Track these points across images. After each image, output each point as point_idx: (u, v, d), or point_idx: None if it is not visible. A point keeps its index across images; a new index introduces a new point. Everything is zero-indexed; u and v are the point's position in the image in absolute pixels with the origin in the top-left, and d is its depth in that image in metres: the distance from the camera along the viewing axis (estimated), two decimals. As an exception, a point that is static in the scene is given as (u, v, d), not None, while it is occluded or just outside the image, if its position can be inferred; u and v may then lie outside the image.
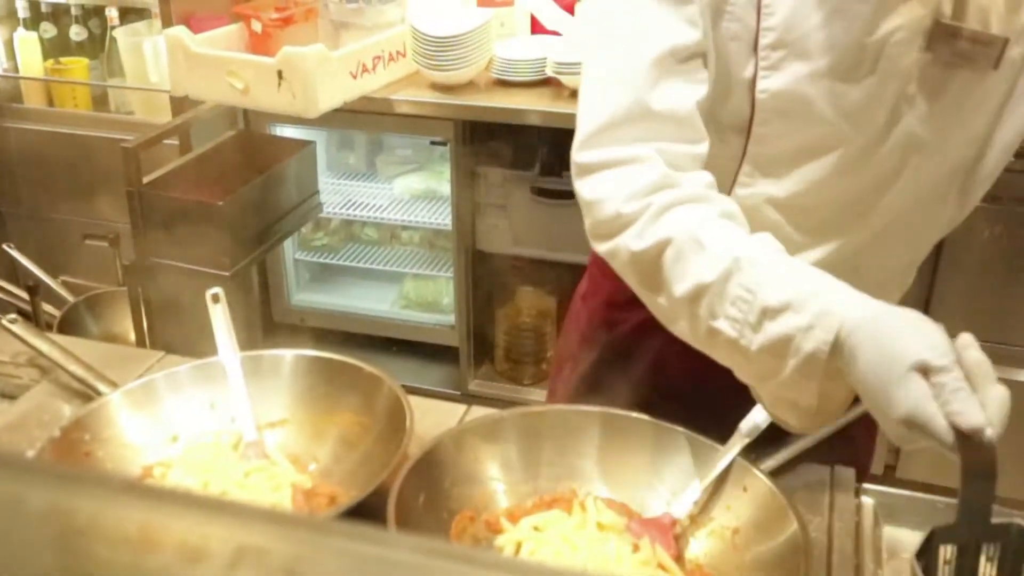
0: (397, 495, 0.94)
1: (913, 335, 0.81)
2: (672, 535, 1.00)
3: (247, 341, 2.68)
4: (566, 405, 1.10)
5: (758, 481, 1.00)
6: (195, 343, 1.27)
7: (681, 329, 0.94)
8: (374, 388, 1.13)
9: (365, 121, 2.44)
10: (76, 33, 2.82)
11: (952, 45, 0.91)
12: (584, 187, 0.95)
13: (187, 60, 2.24)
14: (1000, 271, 2.19)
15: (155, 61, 2.67)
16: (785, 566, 0.92)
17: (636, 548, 0.98)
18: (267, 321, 2.92)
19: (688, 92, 0.94)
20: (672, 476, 1.05)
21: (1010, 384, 2.59)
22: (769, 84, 0.93)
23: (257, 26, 2.33)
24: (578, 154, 0.95)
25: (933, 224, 1.09)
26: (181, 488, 0.95)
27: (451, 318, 2.71)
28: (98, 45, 2.83)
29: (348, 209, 2.78)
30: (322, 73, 2.20)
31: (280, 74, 2.20)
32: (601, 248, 0.96)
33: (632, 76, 0.93)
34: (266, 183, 2.32)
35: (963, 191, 1.07)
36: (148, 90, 2.69)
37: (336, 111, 2.26)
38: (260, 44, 2.34)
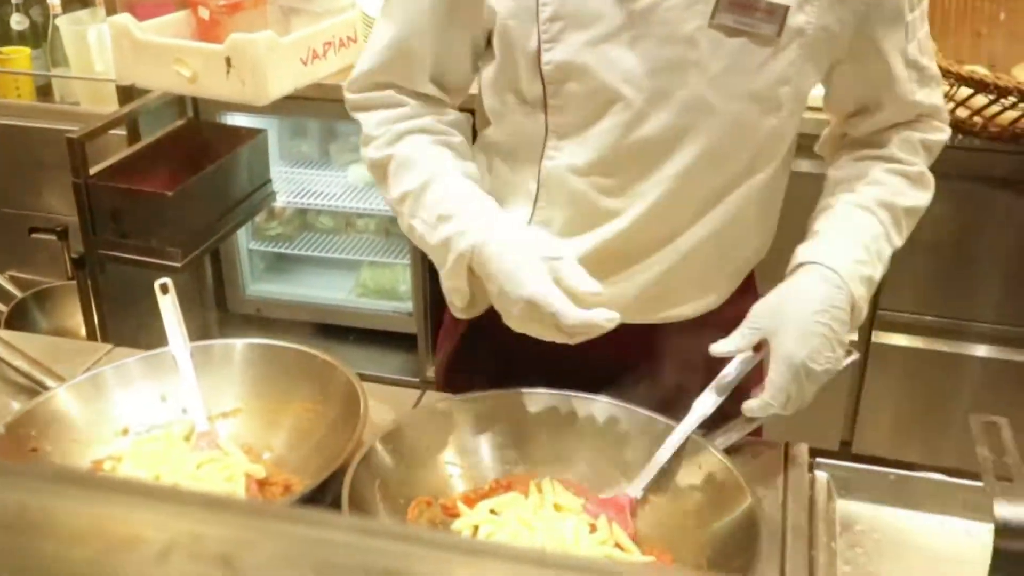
0: (352, 482, 0.93)
1: (537, 242, 1.03)
2: (628, 514, 1.00)
3: (202, 333, 2.65)
4: (521, 389, 1.10)
5: (713, 458, 1.01)
6: (148, 336, 1.25)
7: (400, 224, 1.14)
8: (327, 375, 1.12)
9: (317, 108, 2.41)
10: (17, 22, 2.76)
11: (735, 13, 0.99)
12: (354, 115, 1.16)
13: (133, 48, 2.19)
14: (950, 248, 2.22)
15: (100, 50, 2.61)
16: (740, 541, 0.93)
17: (593, 528, 0.98)
18: (222, 312, 2.88)
19: (455, 48, 1.10)
20: (627, 456, 1.06)
21: (962, 359, 2.64)
22: (552, 56, 1.01)
23: (204, 13, 2.29)
24: (347, 92, 1.16)
25: (735, 185, 1.09)
26: (113, 477, 0.93)
27: (408, 305, 2.70)
28: (41, 34, 2.77)
29: (302, 198, 2.75)
30: (272, 59, 2.16)
31: (228, 61, 2.17)
32: (362, 156, 1.17)
33: (404, 21, 1.09)
34: (217, 173, 2.28)
35: (768, 155, 1.09)
36: (93, 80, 2.63)
37: (287, 98, 2.23)
38: (208, 31, 2.29)
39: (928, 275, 2.26)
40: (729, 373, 1.09)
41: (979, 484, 1.03)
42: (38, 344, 1.30)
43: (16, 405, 1.18)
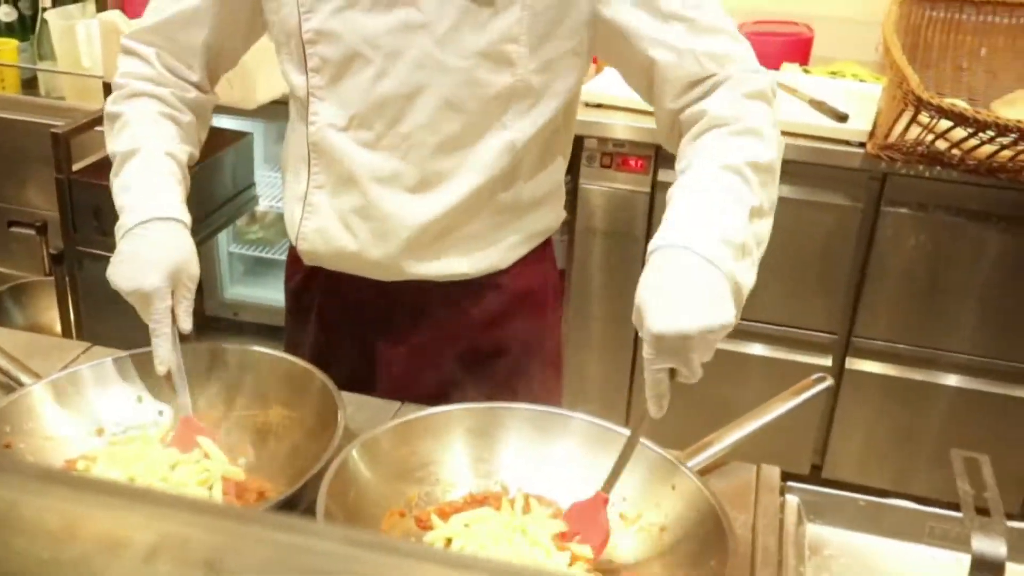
0: (327, 491, 0.93)
1: (173, 255, 1.14)
2: (605, 512, 1.01)
3: (180, 335, 2.61)
4: (497, 403, 1.10)
5: (686, 480, 1.02)
6: (124, 335, 1.24)
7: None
8: (305, 382, 1.12)
9: (304, 114, 2.41)
10: (6, 14, 2.75)
11: None
12: (119, 59, 1.27)
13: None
14: (925, 278, 2.25)
15: (88, 45, 2.61)
16: (711, 563, 0.94)
17: (564, 538, 0.99)
18: (199, 315, 2.87)
19: (232, 25, 1.23)
20: (600, 467, 1.06)
21: (934, 388, 2.66)
22: (310, 25, 1.14)
23: (194, 14, 2.28)
24: (122, 37, 1.27)
25: (486, 137, 1.16)
26: (99, 478, 0.93)
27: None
28: (28, 27, 2.76)
29: (285, 202, 2.75)
30: (260, 64, 2.16)
31: (217, 63, 2.16)
32: None
33: None
34: (200, 174, 2.26)
35: (516, 110, 1.16)
36: (80, 75, 2.63)
37: (274, 102, 2.23)
38: (197, 32, 2.29)
39: (903, 304, 2.29)
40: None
41: (948, 513, 1.05)
42: (14, 339, 1.29)
43: (-9, 400, 1.17)
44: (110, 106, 1.24)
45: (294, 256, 1.34)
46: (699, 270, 0.96)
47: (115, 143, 1.21)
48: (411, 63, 1.13)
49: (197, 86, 1.27)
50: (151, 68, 1.24)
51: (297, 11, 1.14)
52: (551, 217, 1.30)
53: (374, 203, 1.20)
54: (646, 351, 0.95)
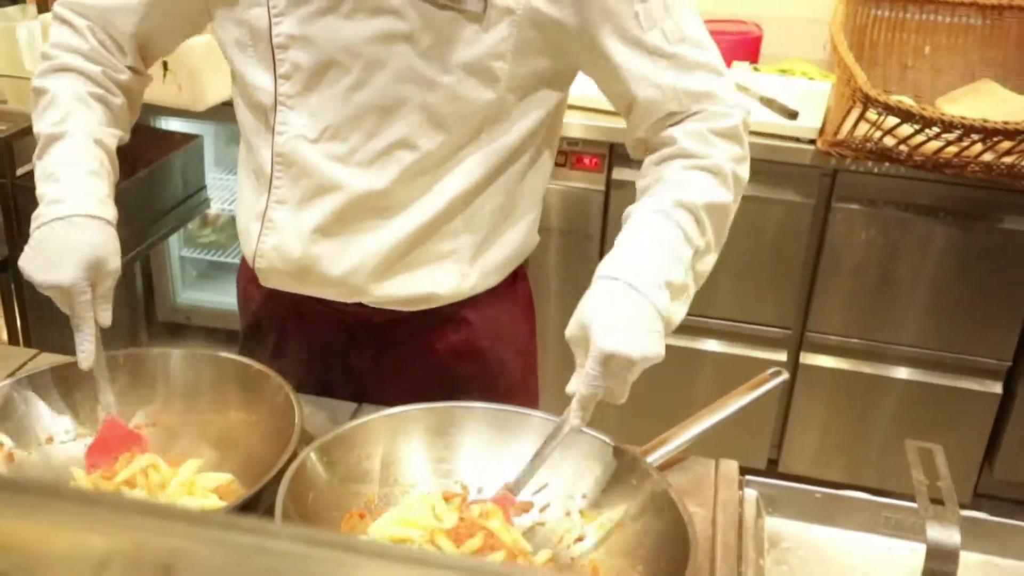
0: (286, 494, 0.92)
1: (94, 248, 1.09)
2: (508, 512, 1.01)
3: (130, 341, 2.58)
4: (455, 403, 1.10)
5: (646, 475, 1.02)
6: (71, 341, 1.22)
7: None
8: (261, 385, 1.11)
9: (254, 115, 2.38)
10: (-56, 16, 2.68)
11: None
12: (51, 27, 1.22)
13: (66, 48, 2.14)
14: (875, 273, 2.28)
15: (30, 48, 2.55)
16: (672, 558, 0.94)
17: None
18: (151, 321, 2.82)
19: (170, 15, 1.18)
20: (559, 464, 1.06)
21: (885, 381, 2.71)
22: (281, 29, 1.08)
23: (141, 15, 2.25)
24: (56, 3, 1.21)
25: (463, 154, 1.14)
26: (53, 484, 0.91)
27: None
28: (-31, 30, 2.70)
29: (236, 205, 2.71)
30: (210, 65, 2.14)
31: (165, 65, 2.14)
32: None
33: None
34: (150, 178, 2.24)
35: (495, 127, 1.13)
36: (22, 78, 2.57)
37: (225, 104, 2.20)
38: (144, 33, 2.26)
39: (854, 298, 2.32)
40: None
41: (902, 503, 1.06)
42: (-41, 348, 1.26)
43: (-66, 411, 1.14)
44: (37, 79, 1.19)
45: (248, 274, 1.27)
46: (641, 305, 1.01)
47: (40, 122, 1.16)
48: (391, 75, 1.07)
49: (130, 68, 1.22)
50: (84, 41, 1.18)
51: (268, 13, 1.08)
52: (526, 238, 1.26)
53: (342, 220, 1.14)
54: (591, 366, 0.99)
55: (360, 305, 1.20)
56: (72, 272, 1.06)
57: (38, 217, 1.10)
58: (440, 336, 1.25)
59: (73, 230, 1.08)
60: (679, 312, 1.06)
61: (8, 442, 1.07)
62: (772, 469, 2.52)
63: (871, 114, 2.00)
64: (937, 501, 0.89)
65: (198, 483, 1.05)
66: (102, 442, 1.09)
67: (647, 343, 0.99)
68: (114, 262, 1.11)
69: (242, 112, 1.19)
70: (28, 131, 2.12)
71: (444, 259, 1.18)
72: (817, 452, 2.51)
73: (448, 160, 1.13)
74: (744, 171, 1.13)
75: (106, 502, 0.34)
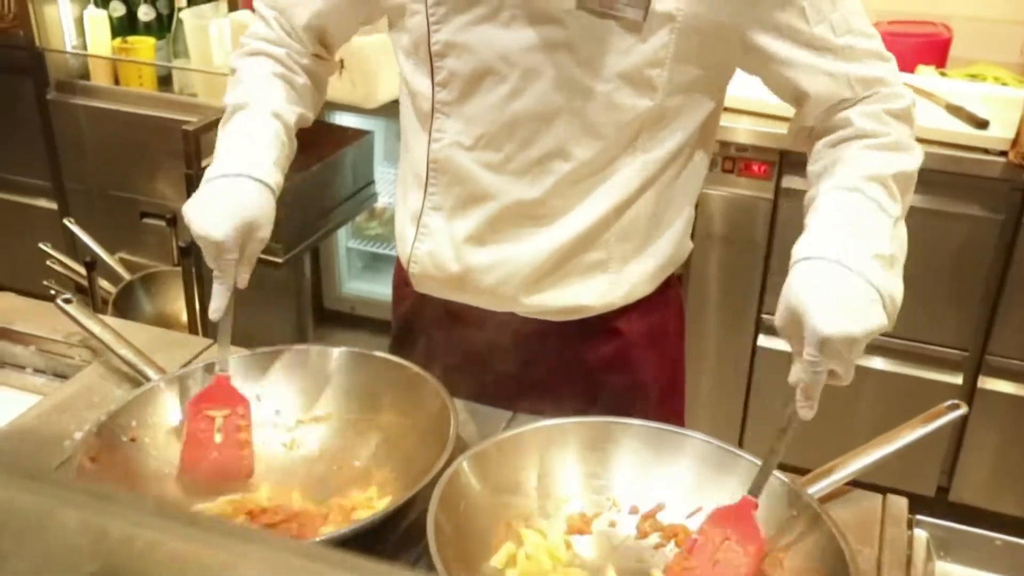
0: (438, 501, 0.93)
1: (246, 208, 1.13)
2: (754, 518, 0.98)
3: (297, 328, 2.68)
4: (611, 418, 1.08)
5: (808, 506, 0.98)
6: (245, 327, 1.26)
7: None
8: (418, 388, 1.12)
9: (424, 113, 2.42)
10: (144, 13, 2.86)
11: None
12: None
13: (251, 45, 2.24)
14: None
15: (220, 44, 2.69)
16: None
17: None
18: (318, 308, 2.93)
19: (344, 12, 1.23)
20: (714, 487, 1.03)
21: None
22: (439, 37, 1.09)
23: (321, 14, 2.33)
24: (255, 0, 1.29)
25: (619, 163, 1.12)
26: (210, 516, 0.94)
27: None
28: (165, 25, 2.86)
29: (403, 199, 2.77)
30: (383, 64, 2.19)
31: (342, 62, 2.20)
32: None
33: None
34: (322, 171, 2.32)
35: (651, 135, 1.11)
36: (212, 73, 2.71)
37: (394, 102, 2.25)
38: (323, 32, 2.33)
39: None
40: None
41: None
42: (141, 333, 1.34)
43: (117, 392, 1.21)
44: (231, 61, 1.26)
45: (402, 275, 1.29)
46: (849, 278, 0.97)
47: (228, 96, 1.23)
48: (549, 83, 1.06)
49: (314, 52, 1.26)
50: (270, 30, 1.24)
51: (427, 20, 1.09)
52: (679, 245, 1.23)
53: (494, 229, 1.15)
54: (809, 353, 0.95)
55: (511, 314, 1.20)
56: (224, 229, 1.10)
57: (209, 173, 1.16)
58: (591, 347, 1.23)
59: (236, 189, 1.13)
60: (897, 285, 1.01)
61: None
62: (942, 497, 2.38)
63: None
64: None
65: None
66: (206, 394, 1.14)
67: (866, 316, 0.95)
68: (266, 229, 1.14)
69: (405, 115, 1.22)
70: (215, 125, 2.23)
71: (595, 269, 1.17)
72: (991, 482, 2.35)
73: (603, 170, 1.12)
74: (920, 148, 1.10)
75: (264, 538, 0.34)
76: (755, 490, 0.99)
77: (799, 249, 1.01)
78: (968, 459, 2.33)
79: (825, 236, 1.01)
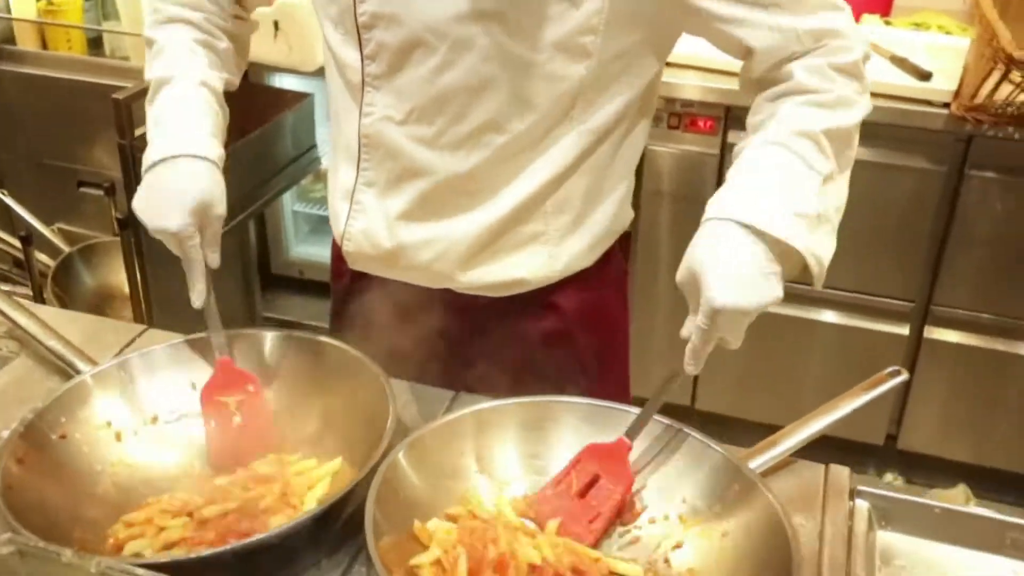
0: (376, 494, 0.91)
1: (200, 191, 1.12)
2: (627, 459, 1.02)
3: (245, 294, 2.63)
4: (549, 397, 1.07)
5: (749, 481, 0.98)
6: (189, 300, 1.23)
7: None
8: (357, 371, 1.10)
9: (365, 73, 2.37)
10: (70, -27, 2.75)
11: None
12: None
13: (182, 8, 2.17)
14: (1010, 245, 2.14)
15: (150, 4, 2.59)
16: (774, 572, 0.90)
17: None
18: (265, 274, 2.88)
19: None
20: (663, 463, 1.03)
21: (1017, 359, 2.53)
22: (366, 7, 1.05)
23: (254, -27, 2.25)
24: None
25: (556, 134, 1.09)
26: None
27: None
28: (93, -14, 2.76)
29: (348, 161, 2.72)
30: (319, 26, 2.12)
31: (276, 25, 2.14)
32: None
33: None
34: (262, 137, 2.26)
35: (587, 104, 1.08)
36: (142, 36, 2.62)
37: (334, 64, 2.19)
38: (257, -8, 2.26)
39: (987, 272, 2.19)
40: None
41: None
42: (72, 321, 1.30)
43: (51, 385, 1.17)
44: (146, 32, 1.22)
45: (338, 251, 1.26)
46: (752, 247, 0.97)
47: (150, 70, 1.19)
48: (480, 55, 1.03)
49: (233, 13, 1.23)
50: None
51: None
52: (618, 214, 1.20)
53: (428, 205, 1.12)
54: (701, 321, 0.96)
55: (448, 291, 1.18)
56: (179, 218, 1.08)
57: (146, 160, 1.13)
58: (530, 322, 1.21)
59: (179, 175, 1.11)
60: (824, 244, 1.01)
61: (114, 421, 1.09)
62: (891, 445, 2.42)
63: (1015, 76, 1.85)
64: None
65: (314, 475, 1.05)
66: (217, 382, 1.12)
67: (760, 291, 0.96)
68: (220, 207, 1.13)
69: (333, 88, 1.17)
70: (145, 92, 2.16)
71: (532, 243, 1.15)
72: (939, 429, 2.40)
73: (538, 142, 1.09)
74: (867, 102, 1.07)
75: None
76: (631, 432, 1.03)
77: (710, 207, 1.01)
78: (916, 407, 2.37)
79: (738, 195, 1.00)
